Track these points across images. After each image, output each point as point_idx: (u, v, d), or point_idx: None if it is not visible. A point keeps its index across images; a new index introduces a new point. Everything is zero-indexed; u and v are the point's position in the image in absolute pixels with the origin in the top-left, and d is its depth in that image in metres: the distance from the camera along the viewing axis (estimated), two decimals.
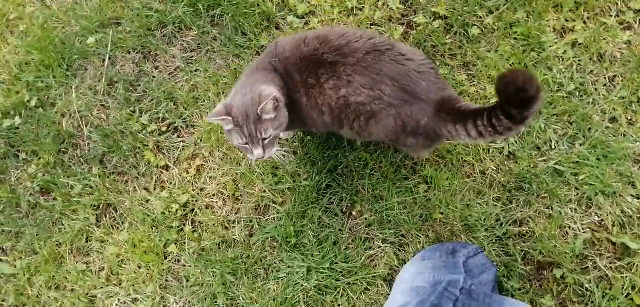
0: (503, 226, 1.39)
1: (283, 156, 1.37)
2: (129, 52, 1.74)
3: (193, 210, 1.59)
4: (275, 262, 1.50)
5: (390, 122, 1.14)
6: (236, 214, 1.56)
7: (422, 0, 1.54)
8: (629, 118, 1.36)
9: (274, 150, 1.22)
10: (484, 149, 1.43)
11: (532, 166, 1.39)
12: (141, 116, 1.67)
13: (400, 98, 1.10)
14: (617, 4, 1.43)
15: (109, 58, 1.74)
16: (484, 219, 1.41)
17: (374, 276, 1.40)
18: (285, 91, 1.19)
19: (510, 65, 1.45)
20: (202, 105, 1.64)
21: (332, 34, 1.16)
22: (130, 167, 1.64)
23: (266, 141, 1.18)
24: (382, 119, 1.13)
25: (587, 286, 1.27)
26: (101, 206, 1.63)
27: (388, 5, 1.57)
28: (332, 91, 1.14)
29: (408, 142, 1.19)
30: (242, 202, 1.57)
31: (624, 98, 1.38)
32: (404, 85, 1.10)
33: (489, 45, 1.49)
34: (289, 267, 1.48)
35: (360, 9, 1.60)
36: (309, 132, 1.46)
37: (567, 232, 1.36)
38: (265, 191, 1.55)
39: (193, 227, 1.58)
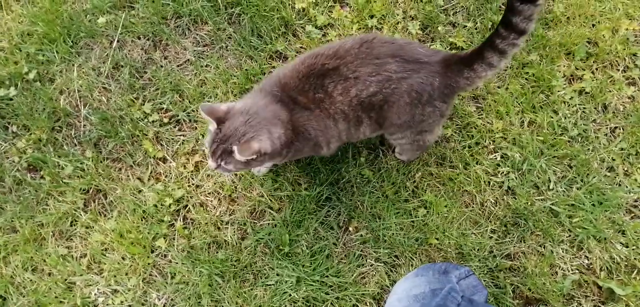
0: (496, 257, 1.41)
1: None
2: (139, 38, 1.71)
3: (186, 206, 1.55)
4: (265, 269, 1.47)
5: (405, 99, 1.15)
6: (230, 215, 1.53)
7: (441, 29, 1.58)
8: (626, 169, 1.42)
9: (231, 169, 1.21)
10: (485, 181, 1.46)
11: (529, 203, 1.42)
12: (144, 104, 1.64)
13: (408, 69, 1.12)
14: (625, 59, 1.51)
15: (118, 41, 1.71)
16: (478, 249, 1.42)
17: (364, 294, 1.39)
18: (289, 125, 1.18)
19: (519, 103, 1.50)
20: (209, 101, 1.62)
21: (320, 48, 1.19)
22: (126, 154, 1.60)
23: (222, 164, 1.18)
24: (396, 100, 1.15)
25: None
26: (91, 191, 1.58)
27: (407, 29, 1.61)
28: (343, 96, 1.14)
29: (426, 114, 1.19)
30: (237, 204, 1.54)
31: (623, 149, 1.43)
32: (404, 57, 1.12)
33: (500, 82, 1.53)
34: (278, 275, 1.45)
35: (379, 28, 1.63)
36: (320, 155, 1.46)
37: (556, 271, 1.38)
38: (262, 195, 1.53)
39: (184, 224, 1.54)
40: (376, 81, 1.12)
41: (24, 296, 1.50)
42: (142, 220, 1.53)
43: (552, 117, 1.46)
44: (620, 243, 1.37)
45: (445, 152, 1.48)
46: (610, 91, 1.48)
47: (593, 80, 1.49)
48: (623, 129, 1.45)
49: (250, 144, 1.11)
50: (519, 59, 1.52)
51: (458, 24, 1.59)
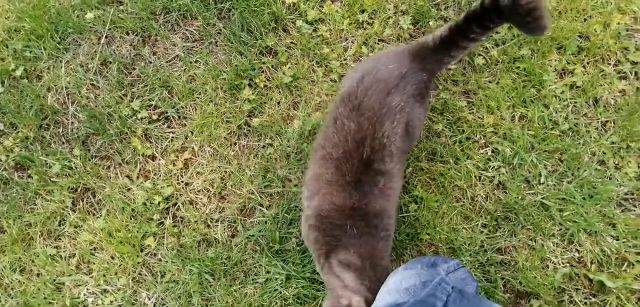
0: (487, 252, 1.41)
1: None
2: (128, 33, 1.69)
3: (176, 204, 1.53)
4: (255, 266, 1.46)
5: (419, 111, 1.17)
6: (220, 213, 1.52)
7: (432, 24, 1.56)
8: (617, 163, 1.41)
9: None
10: (475, 176, 1.45)
11: (520, 197, 1.42)
12: (132, 101, 1.62)
13: (408, 95, 1.13)
14: (616, 53, 1.50)
15: (106, 36, 1.68)
16: (469, 244, 1.41)
17: None
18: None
19: (510, 98, 1.49)
20: (198, 97, 1.60)
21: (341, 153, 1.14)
22: (114, 152, 1.58)
23: None
24: (414, 114, 1.15)
25: None
26: (79, 189, 1.56)
27: (399, 24, 1.59)
28: (386, 177, 1.14)
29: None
30: (227, 201, 1.53)
31: (614, 143, 1.43)
32: (387, 84, 1.11)
33: (492, 76, 1.52)
34: (268, 272, 1.44)
35: (370, 24, 1.61)
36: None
37: (547, 265, 1.38)
38: (253, 193, 1.52)
39: (174, 222, 1.52)
40: (392, 129, 1.12)
41: (12, 298, 1.48)
42: (131, 218, 1.52)
43: (543, 112, 1.45)
44: (611, 236, 1.37)
45: (436, 147, 1.48)
46: (601, 85, 1.47)
47: (584, 75, 1.48)
48: (614, 123, 1.44)
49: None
50: (510, 54, 1.51)
51: (450, 18, 1.58)
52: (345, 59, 1.58)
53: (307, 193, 1.22)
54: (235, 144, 1.57)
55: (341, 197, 1.13)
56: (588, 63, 1.51)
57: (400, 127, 1.13)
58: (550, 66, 1.48)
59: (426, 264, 1.26)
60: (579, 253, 1.39)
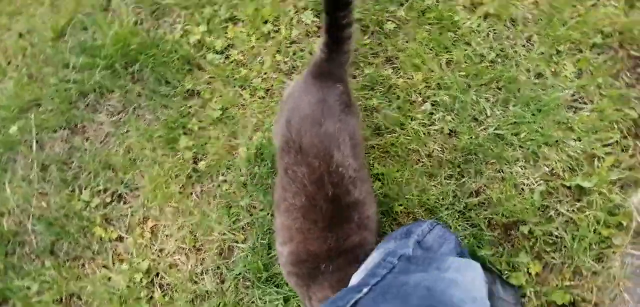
0: (461, 200, 1.41)
1: None
2: (56, 131, 1.66)
3: (157, 274, 1.55)
4: (252, 302, 1.48)
5: (353, 120, 1.15)
6: (201, 264, 1.53)
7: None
8: (553, 70, 1.39)
9: None
10: (424, 133, 1.43)
11: (473, 137, 1.40)
12: (81, 193, 1.61)
13: (337, 114, 1.11)
14: None
15: (36, 142, 1.65)
16: (442, 199, 1.42)
17: None
18: None
19: (430, 49, 1.44)
20: (141, 164, 1.58)
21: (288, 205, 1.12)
22: (82, 249, 1.59)
23: None
24: (350, 126, 1.13)
25: (555, 233, 1.31)
26: (64, 298, 1.58)
27: (302, 21, 1.53)
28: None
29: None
30: (204, 251, 1.54)
31: (543, 53, 1.40)
32: (313, 116, 1.09)
33: (407, 37, 1.48)
34: (265, 303, 1.46)
35: (276, 31, 1.56)
36: None
37: (522, 190, 1.38)
38: (224, 233, 1.52)
39: (162, 291, 1.54)
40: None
41: None
42: (121, 306, 1.54)
43: (466, 50, 1.42)
44: (572, 139, 1.36)
45: (377, 121, 1.45)
46: (513, 5, 1.42)
47: (493, 1, 1.42)
48: (537, 35, 1.40)
49: None
50: (417, 8, 1.46)
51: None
52: (265, 74, 1.54)
53: (280, 239, 1.20)
54: (191, 194, 1.56)
55: (316, 244, 1.11)
56: None
57: (348, 148, 1.10)
58: (459, 6, 1.42)
59: (400, 235, 1.25)
60: (548, 167, 1.38)
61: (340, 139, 1.08)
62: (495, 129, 1.39)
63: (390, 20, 1.51)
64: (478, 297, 0.78)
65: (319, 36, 1.56)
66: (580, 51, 1.42)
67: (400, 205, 1.42)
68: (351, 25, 1.07)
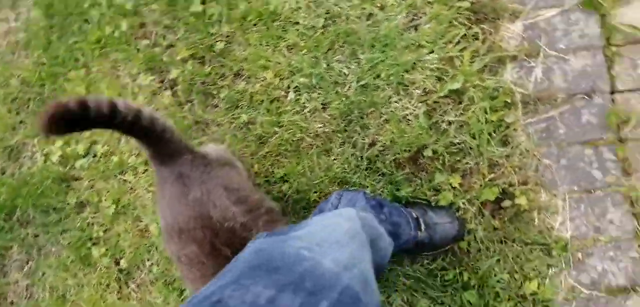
0: (362, 157, 1.43)
1: None
2: None
3: None
4: None
5: (222, 170, 1.12)
6: None
7: (165, 59, 1.49)
8: (379, 5, 1.40)
9: None
10: (301, 120, 1.45)
11: (344, 99, 1.42)
12: None
13: (198, 179, 1.07)
14: None
15: None
16: (346, 166, 1.43)
17: None
18: None
19: (267, 45, 1.43)
20: (71, 295, 1.57)
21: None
22: None
23: None
24: (222, 178, 1.10)
25: (455, 141, 1.35)
26: None
27: (142, 84, 1.51)
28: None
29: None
30: None
31: None
32: (177, 194, 1.06)
33: (241, 46, 1.48)
34: None
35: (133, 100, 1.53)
36: None
37: (408, 120, 1.41)
38: None
39: None
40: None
41: None
42: None
43: (298, 29, 1.41)
44: (426, 54, 1.41)
45: (256, 130, 1.45)
46: None
47: None
48: None
49: None
50: (235, 18, 1.44)
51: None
52: (135, 149, 1.52)
53: None
54: (129, 293, 1.56)
55: None
56: None
57: (226, 199, 1.06)
58: None
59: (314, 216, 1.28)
60: (419, 89, 1.42)
61: (212, 197, 1.07)
62: (358, 82, 1.42)
63: (218, 41, 1.50)
64: (331, 239, 0.74)
65: (165, 88, 1.53)
66: None
67: (315, 192, 1.45)
68: (141, 118, 0.96)
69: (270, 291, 0.58)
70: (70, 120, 0.83)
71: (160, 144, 1.04)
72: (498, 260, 1.26)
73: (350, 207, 1.23)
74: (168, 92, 1.55)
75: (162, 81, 1.56)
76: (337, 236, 0.77)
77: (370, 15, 1.42)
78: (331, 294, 0.60)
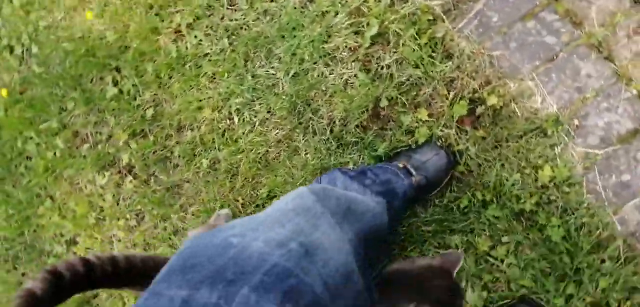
0: (328, 138, 1.41)
1: None
2: None
3: None
4: None
5: None
6: None
7: (111, 150, 1.55)
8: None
9: None
10: (258, 135, 1.45)
11: (284, 97, 1.42)
12: None
13: None
14: None
15: None
16: (319, 154, 1.41)
17: None
18: None
19: (190, 88, 1.42)
20: None
21: None
22: None
23: None
24: None
25: (402, 79, 1.32)
26: None
27: (103, 184, 1.56)
28: None
29: None
30: None
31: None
32: None
33: (169, 103, 1.51)
34: None
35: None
36: None
37: (350, 84, 1.38)
38: None
39: None
40: None
41: None
42: None
43: (209, 59, 1.44)
44: (334, 17, 1.36)
45: (222, 167, 1.47)
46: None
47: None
48: None
49: None
50: (149, 82, 1.51)
51: None
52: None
53: None
54: None
55: None
56: None
57: None
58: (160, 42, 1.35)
59: None
60: (344, 52, 1.37)
61: None
62: (288, 74, 1.41)
63: (147, 109, 1.52)
64: (270, 220, 0.70)
65: (126, 176, 1.55)
66: None
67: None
68: (117, 261, 0.88)
69: (184, 292, 0.55)
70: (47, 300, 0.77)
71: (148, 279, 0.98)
72: (502, 165, 1.24)
73: (330, 183, 1.23)
74: (129, 178, 1.57)
75: (119, 171, 1.58)
76: (279, 215, 0.72)
77: (265, 11, 1.41)
78: (254, 278, 0.55)
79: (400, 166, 1.24)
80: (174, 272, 0.60)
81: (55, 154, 1.64)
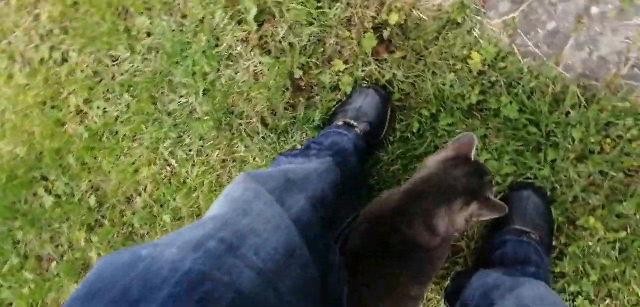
0: (267, 135, 1.36)
1: None
2: None
3: None
4: None
5: None
6: None
7: (77, 255, 1.49)
8: (145, 34, 1.26)
9: None
10: (200, 163, 1.41)
11: (205, 117, 1.37)
12: None
13: None
14: None
15: None
16: (266, 153, 1.36)
17: None
18: None
19: (118, 157, 1.36)
20: None
21: None
22: None
23: None
24: None
25: (304, 42, 1.29)
26: None
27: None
28: None
29: None
30: None
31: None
32: None
33: (105, 181, 1.46)
34: None
35: None
36: None
37: (259, 72, 1.35)
38: None
39: None
40: None
41: None
42: None
43: (120, 120, 1.39)
44: (212, 19, 1.33)
45: (183, 213, 1.45)
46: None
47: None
48: None
49: None
50: (79, 174, 1.50)
51: None
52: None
53: None
54: None
55: None
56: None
57: None
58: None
59: None
60: (237, 45, 1.33)
61: None
62: (199, 94, 1.36)
63: (88, 198, 1.50)
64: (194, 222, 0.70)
65: None
66: None
67: None
68: None
69: None
70: None
71: None
72: (433, 73, 1.21)
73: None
74: None
75: (86, 266, 1.55)
76: (207, 214, 0.69)
77: (148, 49, 1.35)
78: (161, 293, 0.49)
79: (340, 123, 1.21)
80: (75, 300, 0.53)
81: (30, 288, 1.59)
